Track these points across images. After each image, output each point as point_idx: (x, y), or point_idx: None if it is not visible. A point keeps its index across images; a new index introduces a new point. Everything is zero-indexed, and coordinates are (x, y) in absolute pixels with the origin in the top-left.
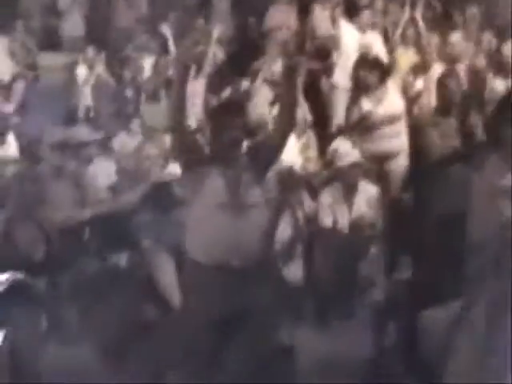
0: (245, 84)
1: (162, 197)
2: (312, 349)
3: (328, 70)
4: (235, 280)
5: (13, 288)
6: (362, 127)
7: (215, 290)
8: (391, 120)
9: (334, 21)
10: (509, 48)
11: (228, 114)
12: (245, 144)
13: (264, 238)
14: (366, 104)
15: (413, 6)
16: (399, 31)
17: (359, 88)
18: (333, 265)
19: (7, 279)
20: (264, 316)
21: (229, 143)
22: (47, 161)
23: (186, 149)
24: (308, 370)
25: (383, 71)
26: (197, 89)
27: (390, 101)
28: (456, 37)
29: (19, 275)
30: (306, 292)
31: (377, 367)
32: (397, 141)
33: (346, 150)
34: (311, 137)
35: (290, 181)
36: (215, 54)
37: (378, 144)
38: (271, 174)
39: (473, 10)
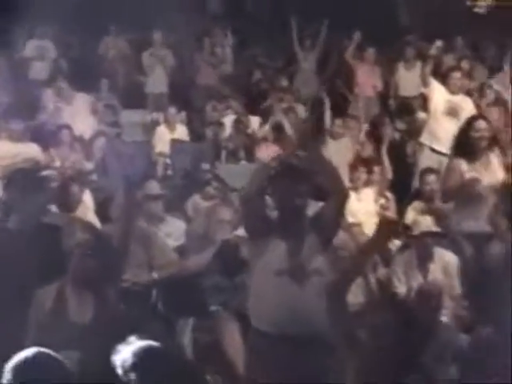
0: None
1: (229, 260)
2: None
3: (414, 130)
4: (297, 349)
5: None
6: (464, 194)
7: (278, 358)
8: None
9: (424, 80)
10: None
11: (292, 178)
12: (309, 210)
13: (331, 304)
14: (469, 171)
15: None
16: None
17: (464, 152)
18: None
19: None
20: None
21: (291, 209)
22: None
23: (251, 213)
24: None
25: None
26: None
27: (493, 170)
28: None
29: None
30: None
31: None
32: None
33: (421, 218)
34: (391, 198)
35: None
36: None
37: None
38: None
39: None
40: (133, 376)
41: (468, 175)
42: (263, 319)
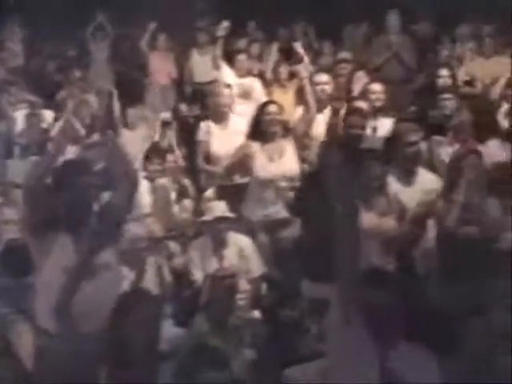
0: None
1: (16, 261)
2: None
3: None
4: (87, 348)
5: None
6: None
7: (64, 359)
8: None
9: (215, 63)
10: None
11: (76, 171)
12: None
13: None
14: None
15: None
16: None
17: (257, 136)
18: None
19: None
20: None
21: (77, 203)
22: None
23: (34, 209)
24: None
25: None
26: None
27: (287, 157)
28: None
29: None
30: None
31: None
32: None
33: (215, 203)
34: (188, 184)
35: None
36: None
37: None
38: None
39: None
40: None
41: (259, 159)
42: (50, 318)
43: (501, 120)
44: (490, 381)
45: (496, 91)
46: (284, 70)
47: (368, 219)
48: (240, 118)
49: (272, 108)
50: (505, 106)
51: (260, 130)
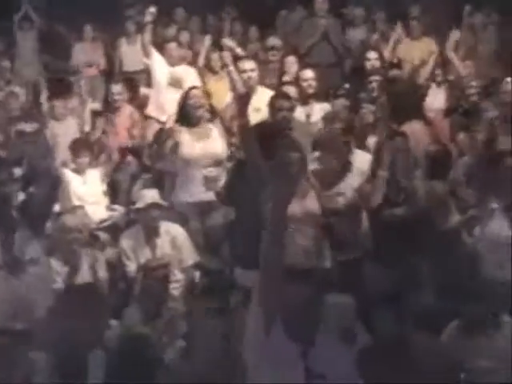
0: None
1: None
2: None
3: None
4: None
5: None
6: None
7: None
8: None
9: (144, 50)
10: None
11: None
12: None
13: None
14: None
15: None
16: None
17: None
18: None
19: None
20: None
21: None
22: None
23: None
24: None
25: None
26: None
27: (213, 141)
28: None
29: None
30: None
31: None
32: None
33: (146, 191)
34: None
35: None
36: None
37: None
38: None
39: None
40: None
41: (185, 141)
42: None
43: (429, 101)
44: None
45: (425, 72)
46: (216, 58)
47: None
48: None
49: (196, 92)
50: (433, 87)
51: (186, 115)
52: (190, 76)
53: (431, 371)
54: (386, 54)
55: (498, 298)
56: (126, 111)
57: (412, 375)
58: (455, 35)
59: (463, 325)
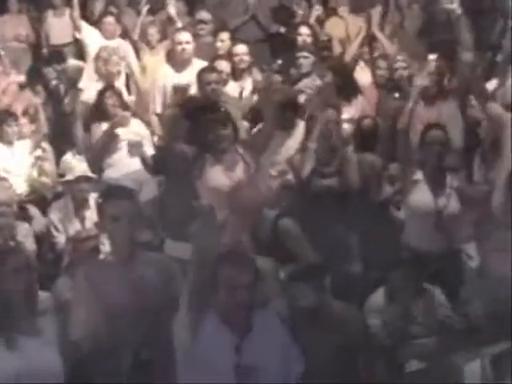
0: None
1: None
2: None
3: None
4: None
5: None
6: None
7: None
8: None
9: (74, 25)
10: None
11: None
12: None
13: None
14: None
15: None
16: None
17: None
18: None
19: None
20: None
21: None
22: None
23: None
24: None
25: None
26: None
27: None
28: None
29: None
30: None
31: None
32: None
33: (75, 163)
34: (48, 149)
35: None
36: None
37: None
38: None
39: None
40: None
41: None
42: None
43: (360, 77)
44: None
45: (352, 49)
46: (154, 32)
47: (217, 177)
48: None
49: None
50: (361, 65)
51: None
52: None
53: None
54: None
55: (422, 266)
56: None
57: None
58: (377, 12)
59: (388, 292)
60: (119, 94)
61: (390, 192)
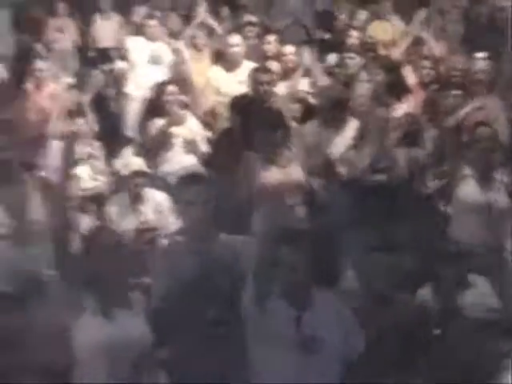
0: None
1: None
2: None
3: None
4: None
5: None
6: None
7: None
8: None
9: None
10: None
11: None
12: None
13: None
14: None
15: None
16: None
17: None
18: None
19: None
20: None
21: None
22: None
23: None
24: None
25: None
26: None
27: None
28: None
29: None
30: None
31: None
32: None
33: (130, 159)
34: (97, 146)
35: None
36: None
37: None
38: None
39: None
40: None
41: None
42: None
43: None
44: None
45: (397, 52)
46: (201, 35)
47: (271, 174)
48: None
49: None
50: (406, 65)
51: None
52: (167, 52)
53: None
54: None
55: (468, 260)
56: None
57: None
58: (421, 15)
59: (436, 285)
60: (177, 92)
61: (436, 186)
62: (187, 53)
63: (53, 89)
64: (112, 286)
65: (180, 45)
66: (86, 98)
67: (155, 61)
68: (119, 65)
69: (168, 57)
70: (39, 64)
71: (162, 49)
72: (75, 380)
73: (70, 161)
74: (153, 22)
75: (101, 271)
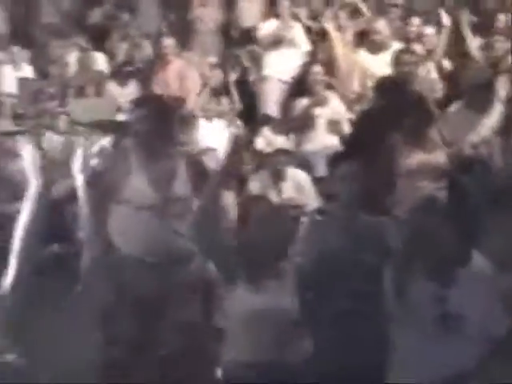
0: None
1: None
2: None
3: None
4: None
5: None
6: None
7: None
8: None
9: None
10: None
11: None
12: None
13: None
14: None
15: None
16: None
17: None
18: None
19: None
20: None
21: None
22: None
23: None
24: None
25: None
26: None
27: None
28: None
29: None
30: None
31: None
32: None
33: (272, 138)
34: (240, 126)
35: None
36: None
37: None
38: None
39: None
40: None
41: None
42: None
43: None
44: None
45: None
46: (344, 16)
47: (417, 157)
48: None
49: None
50: None
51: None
52: (298, 33)
53: None
54: None
55: None
56: None
57: None
58: None
59: None
60: (321, 72)
61: None
62: (333, 33)
63: (178, 66)
64: (262, 257)
65: (326, 26)
66: (232, 78)
67: (291, 44)
68: (257, 47)
69: (303, 40)
70: (165, 41)
71: (299, 32)
72: (224, 350)
73: None
74: (285, 2)
75: (253, 241)
